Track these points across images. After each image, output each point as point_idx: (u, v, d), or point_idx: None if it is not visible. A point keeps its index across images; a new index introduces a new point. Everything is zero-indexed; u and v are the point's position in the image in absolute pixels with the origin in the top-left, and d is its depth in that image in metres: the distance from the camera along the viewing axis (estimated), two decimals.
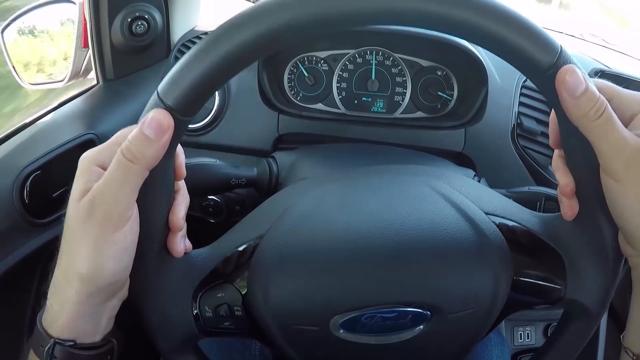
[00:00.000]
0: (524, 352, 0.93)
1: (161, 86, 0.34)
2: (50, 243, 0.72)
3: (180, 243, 0.40)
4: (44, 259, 0.75)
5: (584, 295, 0.40)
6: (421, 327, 0.39)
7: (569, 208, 0.39)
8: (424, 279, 0.39)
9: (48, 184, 0.70)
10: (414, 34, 0.70)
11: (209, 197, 0.73)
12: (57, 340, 0.37)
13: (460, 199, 0.42)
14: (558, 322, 0.45)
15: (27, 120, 0.75)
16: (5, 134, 0.72)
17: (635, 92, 0.36)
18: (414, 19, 0.32)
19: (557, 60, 0.32)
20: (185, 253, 0.41)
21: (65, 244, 0.36)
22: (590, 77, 0.33)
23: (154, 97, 0.34)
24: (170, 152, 0.36)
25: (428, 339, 0.40)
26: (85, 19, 0.80)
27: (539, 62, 0.32)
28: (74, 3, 0.81)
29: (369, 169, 0.49)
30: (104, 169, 0.36)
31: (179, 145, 0.38)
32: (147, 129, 0.34)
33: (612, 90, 0.36)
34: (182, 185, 0.41)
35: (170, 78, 0.34)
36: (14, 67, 0.84)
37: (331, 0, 0.31)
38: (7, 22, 0.82)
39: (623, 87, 0.37)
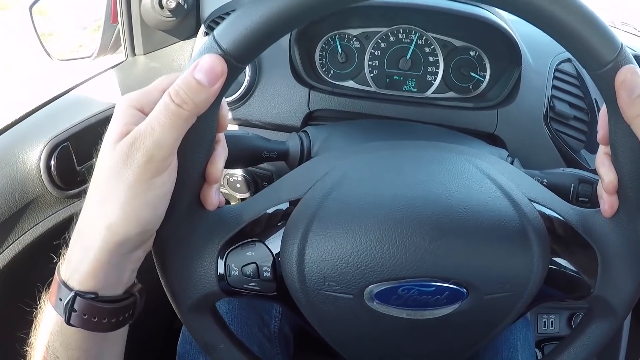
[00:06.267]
0: (547, 340, 0.92)
1: (218, 29, 0.32)
2: (74, 216, 0.71)
3: (215, 196, 0.38)
4: (69, 231, 0.75)
5: (611, 293, 0.40)
6: (456, 305, 0.38)
7: (610, 205, 0.39)
8: (466, 256, 0.38)
9: (75, 156, 0.69)
10: (448, 12, 0.69)
11: (236, 172, 0.72)
12: (78, 292, 0.35)
13: (505, 182, 0.41)
14: (580, 320, 0.45)
15: (56, 93, 0.75)
16: (35, 106, 0.72)
17: None
18: None
19: (616, 56, 0.33)
20: (217, 207, 0.39)
21: (95, 188, 0.34)
22: None
23: (209, 39, 0.33)
24: (217, 101, 0.34)
25: (458, 319, 0.39)
26: None
27: (600, 55, 0.33)
28: None
29: (412, 142, 0.47)
30: (144, 113, 0.34)
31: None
32: (199, 73, 0.32)
33: None
34: (222, 136, 0.39)
35: (230, 21, 0.32)
36: (41, 42, 0.84)
37: None
38: None
39: None
